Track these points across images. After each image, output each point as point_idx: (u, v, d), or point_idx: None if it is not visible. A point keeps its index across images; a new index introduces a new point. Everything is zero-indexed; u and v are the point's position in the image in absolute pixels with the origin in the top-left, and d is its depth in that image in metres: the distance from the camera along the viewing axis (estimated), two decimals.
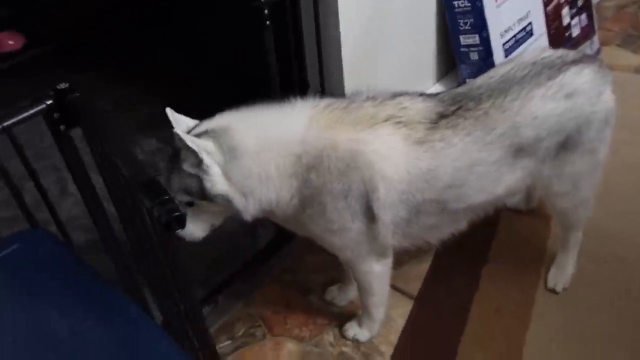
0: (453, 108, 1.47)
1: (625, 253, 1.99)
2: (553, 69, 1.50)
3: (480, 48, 2.31)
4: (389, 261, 1.66)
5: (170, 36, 3.31)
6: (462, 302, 1.92)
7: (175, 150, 1.38)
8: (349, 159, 1.39)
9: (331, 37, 1.99)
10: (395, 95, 1.50)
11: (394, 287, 2.00)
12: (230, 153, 1.36)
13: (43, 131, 1.35)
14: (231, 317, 1.98)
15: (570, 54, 1.58)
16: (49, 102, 1.30)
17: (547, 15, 2.58)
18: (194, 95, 2.80)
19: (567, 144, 1.53)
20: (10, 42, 3.39)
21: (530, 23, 2.49)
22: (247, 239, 2.21)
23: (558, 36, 2.65)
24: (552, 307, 1.86)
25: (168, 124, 1.45)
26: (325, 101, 1.48)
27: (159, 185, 1.00)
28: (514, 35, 2.43)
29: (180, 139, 1.30)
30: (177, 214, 0.94)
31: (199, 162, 1.33)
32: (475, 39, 2.32)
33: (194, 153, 1.32)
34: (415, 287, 2.01)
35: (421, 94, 1.52)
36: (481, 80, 1.54)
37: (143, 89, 3.07)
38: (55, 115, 1.32)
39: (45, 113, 1.30)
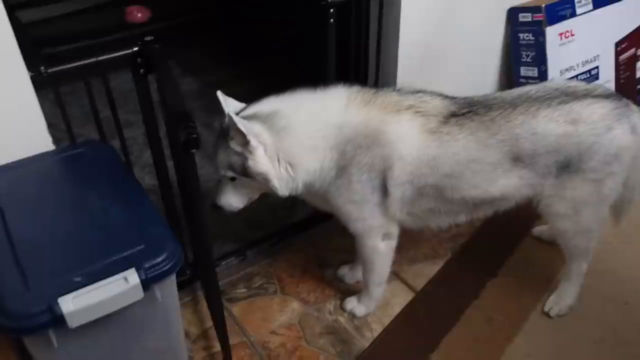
0: (465, 110, 1.65)
1: (630, 299, 2.03)
2: (570, 97, 1.63)
3: (537, 81, 2.41)
4: (393, 243, 1.85)
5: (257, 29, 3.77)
6: (459, 305, 2.05)
7: (224, 128, 1.58)
8: (374, 136, 1.62)
9: (390, 42, 2.20)
10: (418, 91, 1.71)
11: (401, 279, 2.19)
12: (283, 131, 1.59)
13: None
14: (253, 270, 2.25)
15: (599, 89, 1.70)
16: (135, 48, 1.65)
17: (618, 63, 2.63)
18: (265, 81, 3.17)
19: (569, 168, 1.64)
20: (138, 15, 3.91)
21: (596, 67, 2.56)
22: (286, 211, 2.48)
23: (627, 86, 2.68)
24: (541, 328, 1.95)
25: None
26: (357, 87, 1.71)
27: (188, 115, 1.29)
28: (576, 76, 2.51)
29: (232, 120, 1.50)
30: (194, 135, 1.22)
31: (245, 143, 1.54)
32: (534, 71, 2.44)
33: (242, 134, 1.51)
34: (420, 283, 2.16)
35: (440, 94, 1.71)
36: (500, 93, 1.71)
37: (230, 71, 3.52)
38: (139, 60, 1.66)
39: (131, 57, 1.65)
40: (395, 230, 1.82)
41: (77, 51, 3.19)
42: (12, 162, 1.47)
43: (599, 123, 1.60)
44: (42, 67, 1.53)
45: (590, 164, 1.63)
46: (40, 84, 1.55)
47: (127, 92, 1.97)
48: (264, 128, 1.58)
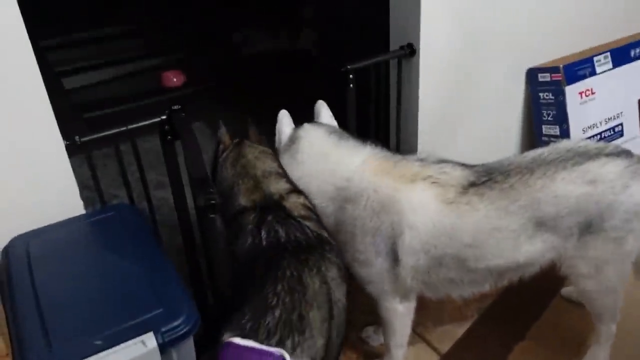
0: (484, 179, 1.66)
1: None
2: (583, 157, 1.64)
3: (559, 139, 2.42)
4: (411, 305, 1.84)
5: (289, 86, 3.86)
6: None
7: None
8: (384, 202, 1.65)
9: (410, 107, 2.26)
10: (441, 161, 1.74)
11: (426, 341, 2.15)
12: (294, 155, 1.77)
13: None
14: None
15: (610, 147, 1.71)
16: (163, 117, 1.75)
17: None
18: None
19: (591, 228, 1.63)
20: (173, 79, 4.12)
21: (620, 124, 2.55)
22: None
23: None
24: None
25: None
26: (385, 152, 1.76)
27: (208, 181, 1.35)
28: (600, 133, 2.50)
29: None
30: (212, 202, 1.28)
31: None
32: (555, 130, 2.45)
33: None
34: (446, 346, 2.12)
35: (462, 164, 1.73)
36: (514, 158, 1.72)
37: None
38: (166, 127, 1.76)
39: (159, 124, 1.75)
40: (411, 292, 1.81)
41: (111, 116, 3.39)
42: (45, 227, 1.56)
43: (615, 182, 1.60)
44: (77, 137, 1.63)
45: (611, 223, 1.62)
46: (75, 149, 1.66)
47: (161, 154, 2.07)
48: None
